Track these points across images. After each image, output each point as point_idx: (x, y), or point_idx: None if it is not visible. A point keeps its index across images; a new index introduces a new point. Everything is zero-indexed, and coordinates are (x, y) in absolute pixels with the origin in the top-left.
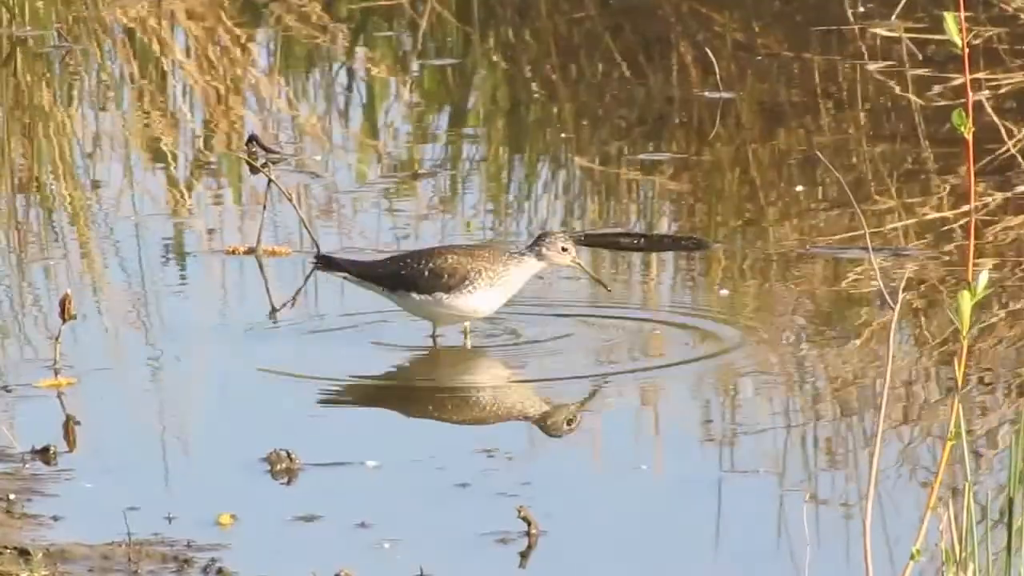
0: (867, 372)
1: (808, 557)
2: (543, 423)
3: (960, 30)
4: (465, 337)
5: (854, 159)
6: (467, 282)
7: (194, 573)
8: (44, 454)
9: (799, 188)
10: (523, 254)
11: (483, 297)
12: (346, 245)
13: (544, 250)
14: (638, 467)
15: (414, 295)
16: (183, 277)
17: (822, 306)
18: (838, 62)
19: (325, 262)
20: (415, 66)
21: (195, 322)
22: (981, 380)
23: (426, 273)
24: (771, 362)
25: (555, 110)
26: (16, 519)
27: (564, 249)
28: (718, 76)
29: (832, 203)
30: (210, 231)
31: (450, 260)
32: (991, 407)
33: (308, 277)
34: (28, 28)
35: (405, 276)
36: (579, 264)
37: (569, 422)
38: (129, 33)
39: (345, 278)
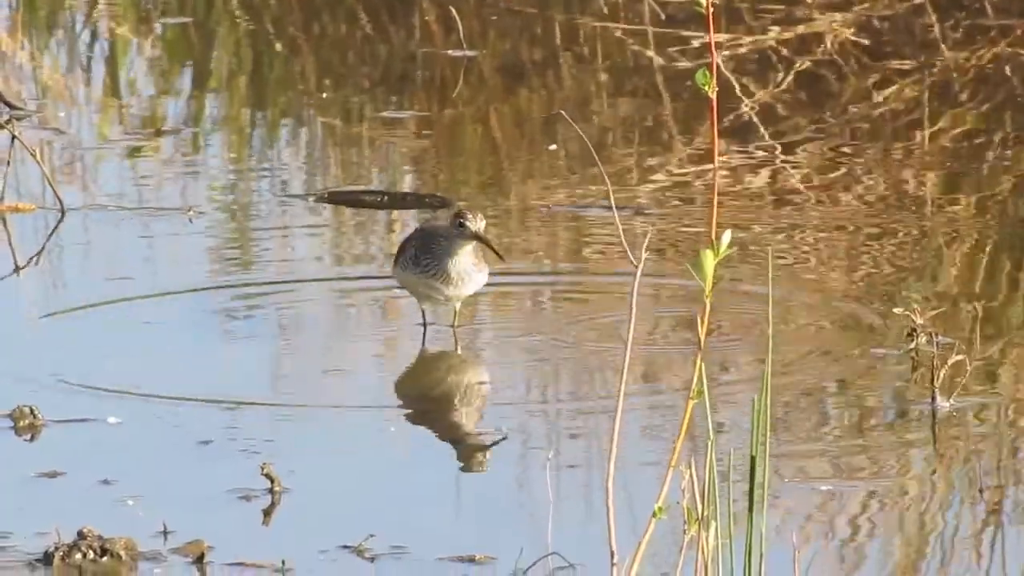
0: (609, 330)
1: (551, 516)
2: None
3: None
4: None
5: (596, 118)
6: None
7: None
8: None
9: (542, 146)
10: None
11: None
12: (88, 202)
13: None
14: (384, 429)
15: None
16: None
17: (564, 263)
18: (580, 20)
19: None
20: (158, 25)
21: None
22: (723, 338)
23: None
24: (514, 321)
25: (298, 68)
26: None
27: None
28: (461, 34)
29: (575, 161)
30: None
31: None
32: (733, 366)
33: (51, 234)
34: None
35: None
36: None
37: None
38: None
39: None
